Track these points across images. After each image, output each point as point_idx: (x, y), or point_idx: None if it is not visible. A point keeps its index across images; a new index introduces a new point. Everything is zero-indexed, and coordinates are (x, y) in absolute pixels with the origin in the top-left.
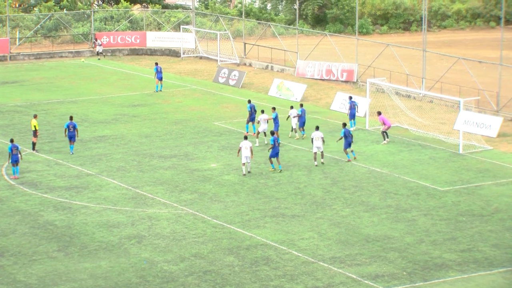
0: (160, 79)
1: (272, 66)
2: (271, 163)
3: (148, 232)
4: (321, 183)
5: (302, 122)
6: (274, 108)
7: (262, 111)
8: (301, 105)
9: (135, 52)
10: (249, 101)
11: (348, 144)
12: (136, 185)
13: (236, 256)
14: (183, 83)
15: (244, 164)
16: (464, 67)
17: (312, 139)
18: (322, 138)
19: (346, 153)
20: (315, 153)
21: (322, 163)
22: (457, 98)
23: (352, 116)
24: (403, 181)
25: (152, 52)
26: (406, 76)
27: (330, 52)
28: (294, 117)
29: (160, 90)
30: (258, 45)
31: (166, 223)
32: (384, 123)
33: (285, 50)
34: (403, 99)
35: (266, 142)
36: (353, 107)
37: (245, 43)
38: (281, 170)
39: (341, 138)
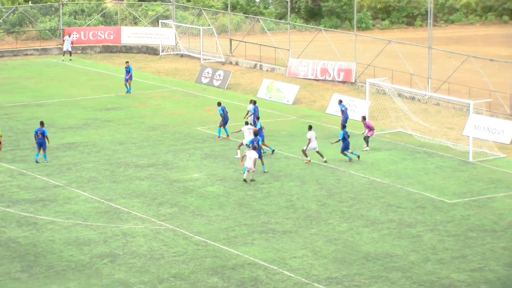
0: (130, 79)
1: (261, 65)
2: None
3: (123, 250)
4: (315, 195)
5: (254, 121)
6: (258, 118)
7: (246, 123)
8: (254, 102)
9: (108, 50)
10: (219, 104)
11: (345, 147)
12: (109, 197)
13: (221, 276)
14: (162, 83)
15: (248, 171)
16: (474, 66)
17: (310, 139)
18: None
19: (345, 155)
20: (304, 150)
21: (325, 161)
22: (466, 100)
23: (347, 120)
24: (406, 193)
25: (128, 49)
26: (410, 76)
27: (326, 49)
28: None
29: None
30: (245, 42)
31: (143, 240)
32: (371, 129)
33: (275, 47)
34: (407, 102)
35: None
36: (345, 111)
37: (231, 40)
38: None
39: (338, 141)
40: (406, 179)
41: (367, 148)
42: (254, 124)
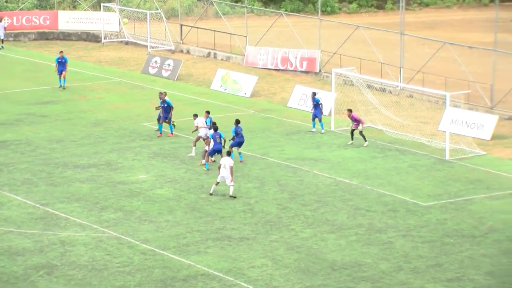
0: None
1: (215, 54)
2: (206, 161)
3: (61, 261)
4: (276, 198)
5: (164, 116)
6: (208, 112)
7: (196, 115)
8: (164, 94)
9: (44, 37)
10: (164, 95)
11: (238, 144)
12: (45, 202)
13: None
14: (104, 74)
15: (217, 183)
16: (451, 54)
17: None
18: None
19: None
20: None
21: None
22: (442, 92)
23: (320, 116)
24: (376, 195)
25: (66, 36)
26: (380, 65)
27: (287, 36)
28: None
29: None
30: (197, 28)
31: (84, 249)
32: (359, 122)
33: (231, 34)
34: (377, 94)
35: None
36: (320, 105)
37: (181, 25)
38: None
39: (233, 138)
40: (376, 180)
41: (366, 143)
42: (165, 119)
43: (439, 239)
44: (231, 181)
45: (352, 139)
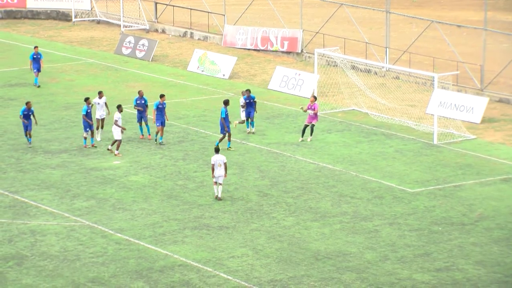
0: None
1: (192, 33)
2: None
3: (31, 251)
4: (256, 185)
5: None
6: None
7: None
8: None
9: (11, 15)
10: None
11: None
12: (14, 189)
13: (147, 280)
14: (75, 55)
15: (216, 183)
16: (439, 33)
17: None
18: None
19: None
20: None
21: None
22: (430, 73)
23: (249, 115)
24: (362, 181)
25: (35, 15)
26: (365, 45)
27: (267, 14)
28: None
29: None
30: (173, 6)
31: (55, 239)
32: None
33: (208, 12)
34: (362, 75)
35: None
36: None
37: (156, 3)
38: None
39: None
40: (361, 165)
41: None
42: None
43: (427, 227)
44: (224, 178)
45: (302, 136)
